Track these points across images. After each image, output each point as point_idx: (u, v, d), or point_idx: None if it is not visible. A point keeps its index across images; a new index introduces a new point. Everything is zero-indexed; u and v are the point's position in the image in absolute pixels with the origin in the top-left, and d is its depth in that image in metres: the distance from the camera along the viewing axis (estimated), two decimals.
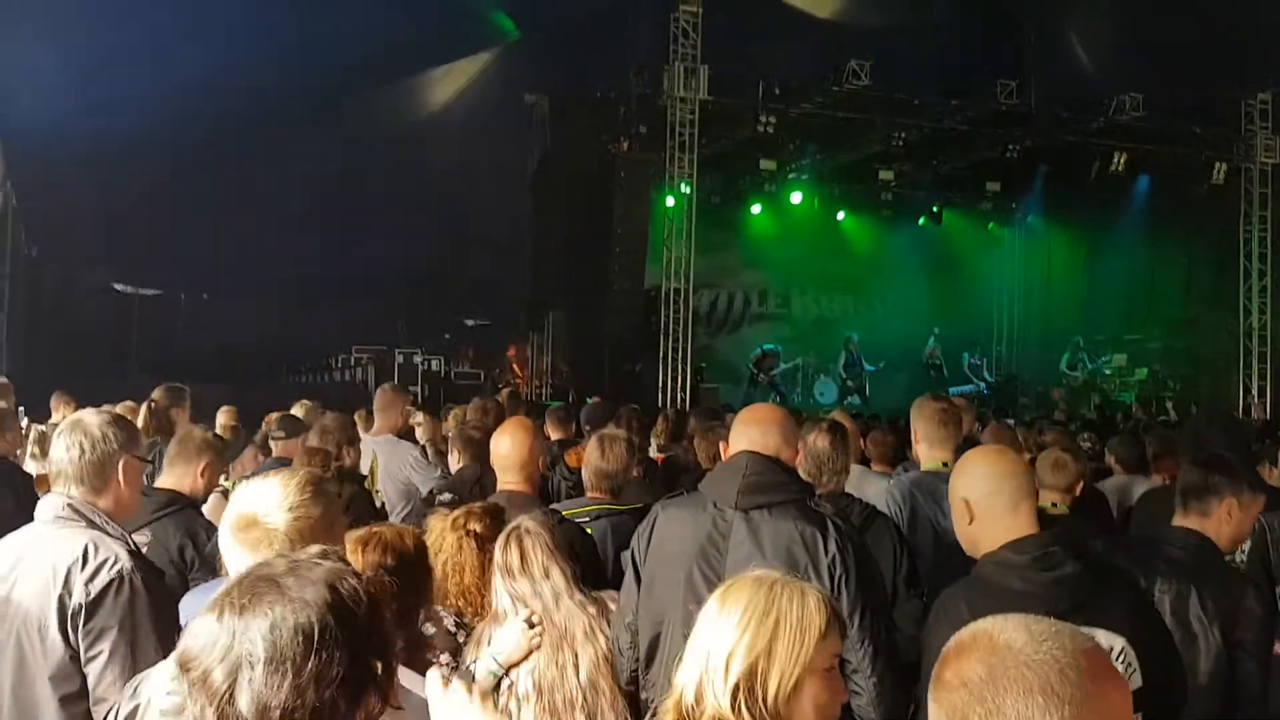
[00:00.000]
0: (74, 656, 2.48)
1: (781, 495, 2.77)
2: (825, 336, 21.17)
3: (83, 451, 2.65)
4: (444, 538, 3.06)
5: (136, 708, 1.84)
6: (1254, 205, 18.11)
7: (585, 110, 17.16)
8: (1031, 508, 2.52)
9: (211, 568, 3.30)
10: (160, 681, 1.80)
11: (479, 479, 4.63)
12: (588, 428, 6.68)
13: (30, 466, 5.85)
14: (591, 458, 4.02)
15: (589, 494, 4.01)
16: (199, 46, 13.77)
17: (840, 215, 21.21)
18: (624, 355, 16.73)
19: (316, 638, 1.26)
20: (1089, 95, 17.54)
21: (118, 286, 18.01)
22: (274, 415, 6.13)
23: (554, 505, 3.87)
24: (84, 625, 2.47)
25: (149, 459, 3.84)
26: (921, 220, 21.24)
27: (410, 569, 2.56)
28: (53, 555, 2.53)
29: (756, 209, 20.37)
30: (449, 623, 2.93)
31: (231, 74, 14.31)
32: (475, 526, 3.09)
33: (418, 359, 16.56)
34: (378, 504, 5.22)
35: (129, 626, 2.48)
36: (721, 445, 3.14)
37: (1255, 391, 17.95)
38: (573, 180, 17.22)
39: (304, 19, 14.13)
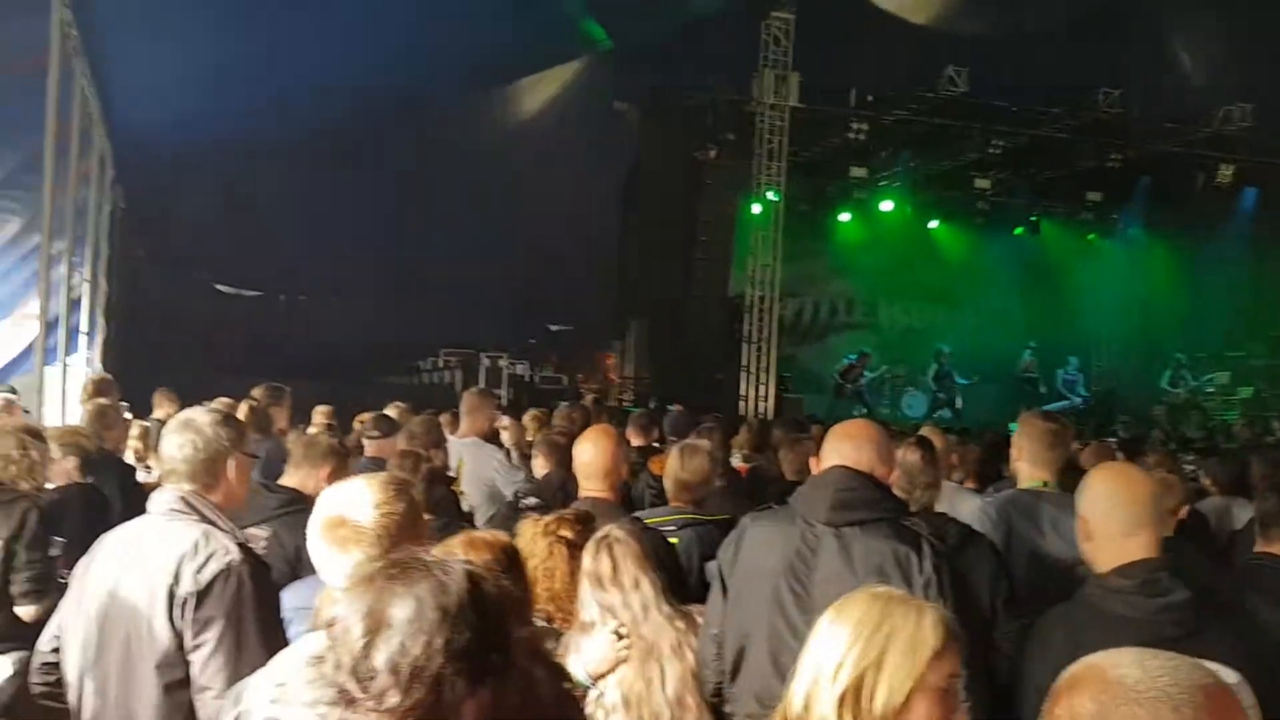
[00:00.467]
0: (179, 646, 2.55)
1: (874, 512, 2.73)
2: (914, 347, 20.73)
3: (195, 449, 2.74)
4: (535, 543, 3.09)
5: (238, 717, 1.86)
6: None
7: (674, 118, 17.22)
8: (1152, 535, 2.43)
9: None
10: (262, 688, 1.83)
11: (563, 484, 4.66)
12: (672, 436, 6.68)
13: (131, 460, 6.09)
14: (672, 468, 4.03)
15: (671, 503, 4.01)
16: (308, 53, 14.16)
17: (933, 224, 20.81)
18: (707, 363, 16.70)
19: (453, 615, 1.35)
20: (1194, 105, 17.01)
21: (220, 287, 18.67)
22: (366, 416, 6.25)
23: (637, 513, 3.87)
24: (192, 615, 2.54)
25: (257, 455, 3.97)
26: (1018, 230, 20.72)
27: (517, 572, 2.60)
28: (164, 546, 2.61)
29: (845, 216, 20.08)
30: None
31: (335, 80, 14.69)
32: (566, 533, 3.12)
33: (503, 363, 16.80)
34: (464, 507, 5.29)
35: (235, 617, 2.55)
36: (812, 460, 3.08)
37: None
38: (660, 187, 17.29)
39: (409, 28, 14.46)
